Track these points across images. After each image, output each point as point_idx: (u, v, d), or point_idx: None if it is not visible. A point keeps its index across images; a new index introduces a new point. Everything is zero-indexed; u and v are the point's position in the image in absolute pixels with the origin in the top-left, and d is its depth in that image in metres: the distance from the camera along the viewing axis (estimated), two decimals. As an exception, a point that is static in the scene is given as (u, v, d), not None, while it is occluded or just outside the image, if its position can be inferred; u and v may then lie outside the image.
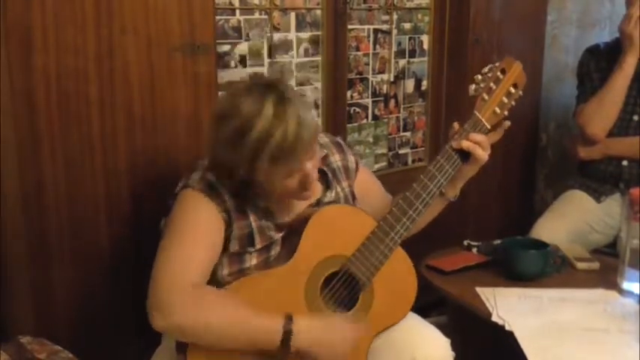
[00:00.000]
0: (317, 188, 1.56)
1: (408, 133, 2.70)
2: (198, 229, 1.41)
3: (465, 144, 1.54)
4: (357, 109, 2.50)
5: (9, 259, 1.65)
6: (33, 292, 1.65)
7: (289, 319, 1.35)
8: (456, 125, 1.57)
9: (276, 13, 2.20)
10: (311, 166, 1.42)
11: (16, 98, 1.56)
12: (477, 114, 1.56)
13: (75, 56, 1.62)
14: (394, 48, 2.57)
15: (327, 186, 1.59)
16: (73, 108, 1.64)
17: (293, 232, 1.49)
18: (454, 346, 1.55)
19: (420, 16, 2.63)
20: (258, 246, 1.46)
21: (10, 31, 1.53)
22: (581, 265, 1.96)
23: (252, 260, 1.47)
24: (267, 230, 1.48)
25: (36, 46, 1.56)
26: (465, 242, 2.09)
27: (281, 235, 1.49)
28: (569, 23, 2.97)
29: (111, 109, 1.69)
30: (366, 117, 2.54)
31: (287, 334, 1.33)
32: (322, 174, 1.57)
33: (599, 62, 2.40)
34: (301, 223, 1.48)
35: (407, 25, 2.59)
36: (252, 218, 1.46)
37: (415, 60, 2.65)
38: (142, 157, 1.76)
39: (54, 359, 1.37)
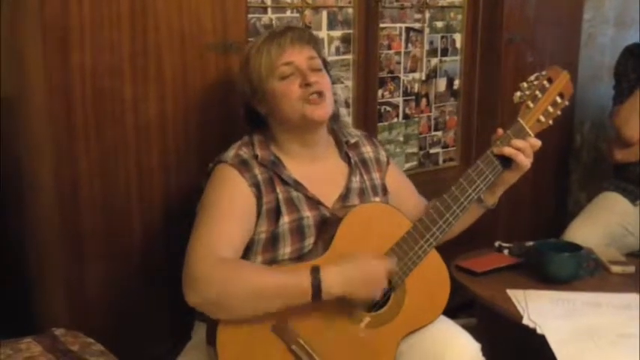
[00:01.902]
0: (342, 171, 1.61)
1: (439, 133, 2.68)
2: (228, 203, 1.46)
3: (507, 150, 1.53)
4: (388, 108, 2.49)
5: (45, 254, 1.68)
6: (67, 287, 1.68)
7: (316, 270, 1.36)
8: (499, 131, 1.56)
9: (307, 12, 2.20)
10: (301, 61, 1.52)
11: (53, 96, 1.58)
12: (521, 121, 1.55)
13: (110, 54, 1.64)
14: (426, 46, 2.55)
15: (350, 171, 1.62)
16: (107, 105, 1.66)
17: (328, 227, 1.51)
18: (483, 349, 1.54)
19: (452, 14, 2.61)
20: (286, 218, 1.48)
21: (48, 30, 1.55)
22: (615, 269, 1.93)
23: (285, 248, 1.49)
24: (296, 202, 1.51)
25: (73, 44, 1.58)
26: (497, 243, 2.07)
27: (312, 214, 1.51)
28: (605, 22, 2.92)
29: (144, 106, 1.71)
30: (397, 116, 2.53)
31: (316, 286, 1.34)
32: (347, 159, 1.63)
33: (638, 62, 2.35)
34: (337, 218, 1.49)
35: (439, 24, 2.57)
36: (279, 190, 1.51)
37: (447, 59, 2.63)
38: (174, 155, 1.78)
39: (86, 352, 1.39)
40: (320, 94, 1.52)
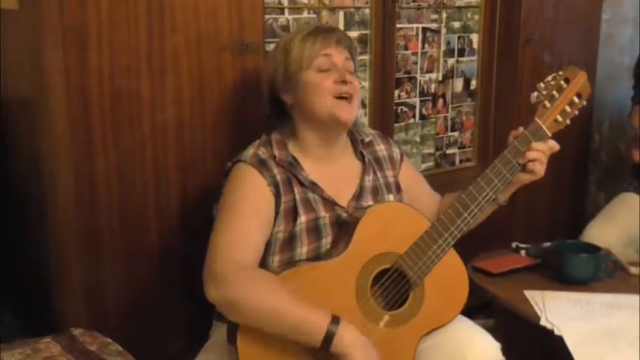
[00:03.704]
0: (356, 169, 1.62)
1: (455, 133, 2.67)
2: (249, 202, 1.47)
3: (526, 158, 1.54)
4: (405, 109, 2.49)
5: (63, 255, 1.69)
6: (85, 286, 1.69)
7: (336, 320, 1.35)
8: (520, 129, 1.57)
9: (324, 12, 2.20)
10: (339, 60, 1.54)
11: (71, 97, 1.60)
12: (538, 121, 1.55)
13: (127, 55, 1.65)
14: (443, 47, 2.54)
15: (364, 170, 1.62)
16: (125, 106, 1.67)
17: (346, 227, 1.51)
18: (501, 350, 1.53)
19: (469, 14, 2.60)
20: (303, 218, 1.49)
21: (66, 31, 1.57)
22: (634, 270, 1.91)
23: (302, 247, 1.49)
24: (312, 203, 1.52)
25: (90, 45, 1.60)
26: (514, 244, 2.06)
27: (328, 214, 1.52)
28: (624, 22, 2.89)
29: (161, 106, 1.72)
30: (414, 116, 2.52)
31: (330, 335, 1.34)
32: (361, 157, 1.63)
33: (657, 61, 2.33)
34: (355, 219, 1.50)
35: (456, 24, 2.57)
36: (296, 190, 1.51)
37: (464, 59, 2.62)
38: (191, 154, 1.79)
39: (104, 351, 1.40)
40: (350, 97, 1.53)
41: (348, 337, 1.35)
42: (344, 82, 1.52)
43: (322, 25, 1.62)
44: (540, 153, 1.55)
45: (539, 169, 1.56)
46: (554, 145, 1.57)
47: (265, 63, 1.69)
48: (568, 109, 1.57)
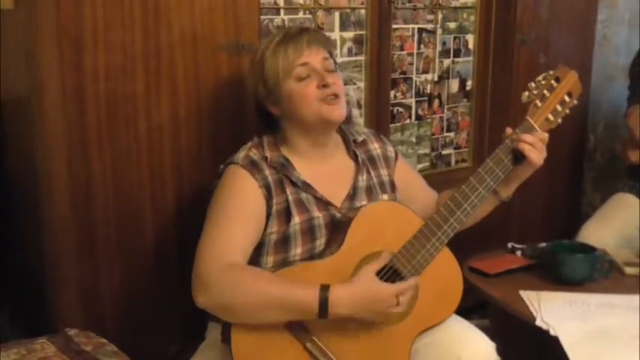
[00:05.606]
0: (349, 169, 1.62)
1: (451, 134, 2.67)
2: (238, 204, 1.46)
3: (521, 145, 1.52)
4: (401, 109, 2.49)
5: (59, 255, 1.69)
6: (81, 286, 1.69)
7: (325, 288, 1.35)
8: (508, 130, 1.56)
9: (320, 13, 2.20)
10: (317, 62, 1.52)
11: (67, 97, 1.59)
12: (530, 120, 1.56)
13: (123, 55, 1.65)
14: (439, 47, 2.54)
15: (357, 170, 1.62)
16: (120, 106, 1.67)
17: (339, 228, 1.51)
18: (496, 351, 1.53)
19: (465, 15, 2.60)
20: (297, 219, 1.49)
21: (62, 31, 1.57)
22: (629, 270, 1.92)
23: (296, 249, 1.49)
24: (306, 203, 1.51)
25: (86, 45, 1.60)
26: (509, 245, 2.06)
27: (322, 214, 1.52)
28: (620, 22, 2.90)
29: (157, 107, 1.72)
30: (410, 117, 2.52)
31: (324, 305, 1.34)
32: (354, 157, 1.63)
33: (652, 62, 2.33)
34: (348, 219, 1.50)
35: (452, 25, 2.57)
36: (289, 191, 1.51)
37: (460, 60, 2.62)
38: (187, 155, 1.79)
39: (99, 352, 1.40)
40: (336, 95, 1.52)
41: (342, 302, 1.35)
42: (326, 85, 1.51)
43: (291, 28, 1.60)
44: (531, 148, 1.52)
45: (536, 157, 1.53)
46: (542, 137, 1.55)
47: (246, 76, 1.68)
48: (559, 108, 1.58)
